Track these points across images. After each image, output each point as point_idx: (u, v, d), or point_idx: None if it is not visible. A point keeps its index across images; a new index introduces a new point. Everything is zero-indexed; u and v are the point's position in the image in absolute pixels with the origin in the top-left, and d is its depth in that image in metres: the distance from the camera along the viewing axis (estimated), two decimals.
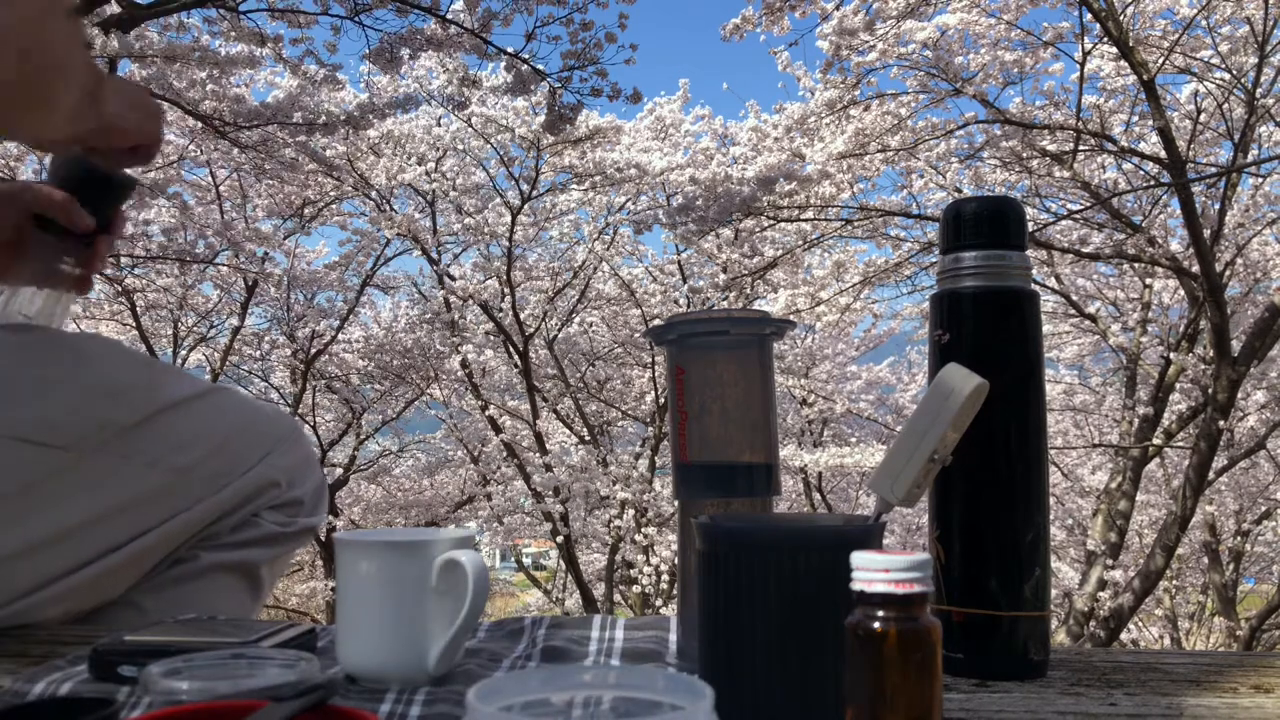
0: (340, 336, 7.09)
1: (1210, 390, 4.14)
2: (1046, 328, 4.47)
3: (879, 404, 8.06)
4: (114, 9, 3.48)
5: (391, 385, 7.52)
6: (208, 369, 6.97)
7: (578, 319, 7.16)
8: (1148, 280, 5.48)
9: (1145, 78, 3.71)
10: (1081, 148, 4.36)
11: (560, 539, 6.24)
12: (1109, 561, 4.74)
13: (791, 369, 7.24)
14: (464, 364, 6.70)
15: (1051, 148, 4.47)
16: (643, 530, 6.25)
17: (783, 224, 5.14)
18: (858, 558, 0.48)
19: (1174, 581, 7.33)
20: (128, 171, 0.99)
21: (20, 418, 0.88)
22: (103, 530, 0.92)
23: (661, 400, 6.80)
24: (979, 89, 4.38)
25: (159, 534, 0.95)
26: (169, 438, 0.97)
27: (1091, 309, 5.75)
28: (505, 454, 6.83)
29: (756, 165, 4.91)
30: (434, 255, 6.41)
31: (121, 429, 0.93)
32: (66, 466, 0.89)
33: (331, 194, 6.24)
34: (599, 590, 7.07)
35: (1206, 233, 3.99)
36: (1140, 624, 7.44)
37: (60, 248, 0.96)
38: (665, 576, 6.27)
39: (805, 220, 4.96)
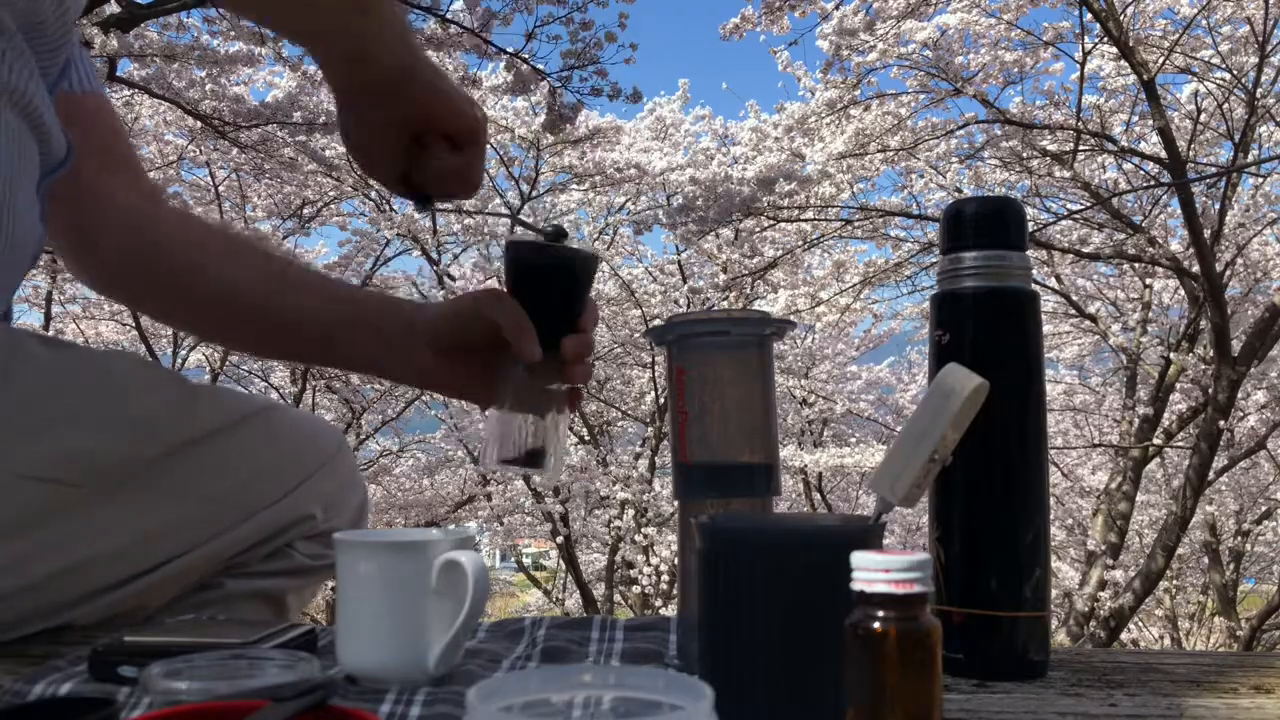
0: None
1: (1210, 390, 4.14)
2: (1046, 328, 4.46)
3: (879, 404, 8.05)
4: (114, 9, 3.48)
5: (391, 385, 7.50)
6: (207, 369, 6.95)
7: None
8: (1148, 280, 5.48)
9: (1145, 78, 3.71)
10: (1081, 148, 4.37)
11: (560, 539, 6.25)
12: (1109, 562, 4.74)
13: (791, 369, 7.24)
14: None
15: (1051, 148, 4.48)
16: (643, 530, 6.25)
17: (783, 224, 5.15)
18: (858, 558, 0.48)
19: (1174, 581, 7.33)
20: (585, 250, 0.88)
21: (40, 454, 0.82)
22: (118, 564, 0.88)
23: (661, 400, 6.79)
24: (979, 89, 4.38)
25: (179, 565, 0.91)
26: (197, 469, 0.92)
27: (1091, 309, 5.75)
28: None
29: (756, 165, 4.91)
30: (434, 255, 6.40)
31: (146, 463, 0.88)
32: (81, 503, 0.84)
33: (331, 194, 6.22)
34: (599, 590, 7.07)
35: (1207, 233, 3.99)
36: (1140, 624, 7.44)
37: (539, 364, 0.84)
38: (665, 576, 6.27)
39: (805, 220, 4.97)
